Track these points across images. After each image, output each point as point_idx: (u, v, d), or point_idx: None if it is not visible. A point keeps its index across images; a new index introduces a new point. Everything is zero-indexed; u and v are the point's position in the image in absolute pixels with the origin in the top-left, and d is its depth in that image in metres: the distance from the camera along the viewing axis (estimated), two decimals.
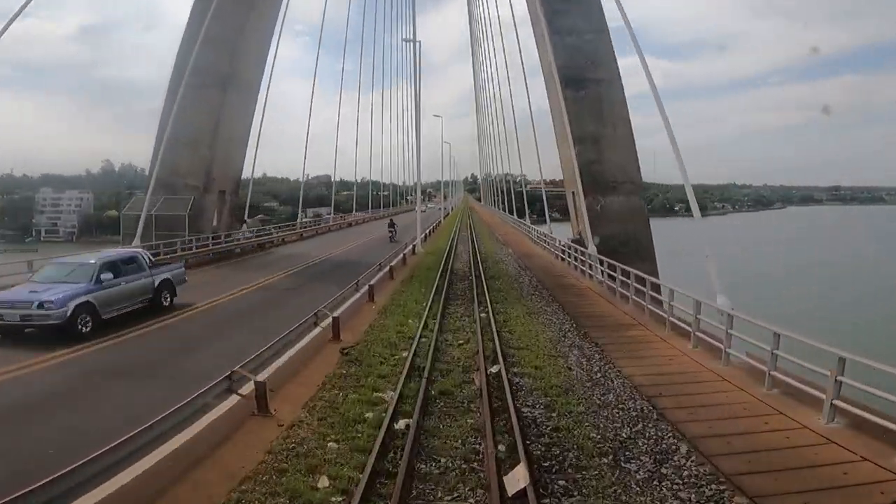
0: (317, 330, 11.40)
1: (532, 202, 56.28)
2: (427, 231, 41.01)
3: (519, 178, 63.99)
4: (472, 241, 35.42)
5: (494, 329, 12.47)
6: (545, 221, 43.58)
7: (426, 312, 14.05)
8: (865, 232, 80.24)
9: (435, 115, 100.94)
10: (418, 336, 11.80)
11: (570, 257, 24.77)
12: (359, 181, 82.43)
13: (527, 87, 38.93)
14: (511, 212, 58.63)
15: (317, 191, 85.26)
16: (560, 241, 29.69)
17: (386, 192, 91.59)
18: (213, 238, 28.03)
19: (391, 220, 40.02)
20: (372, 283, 16.47)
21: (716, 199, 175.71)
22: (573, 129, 28.16)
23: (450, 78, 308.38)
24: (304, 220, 57.46)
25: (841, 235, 77.95)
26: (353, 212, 65.81)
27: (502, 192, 69.37)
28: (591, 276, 20.84)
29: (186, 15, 29.80)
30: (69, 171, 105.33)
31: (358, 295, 15.34)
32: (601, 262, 19.18)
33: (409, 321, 13.30)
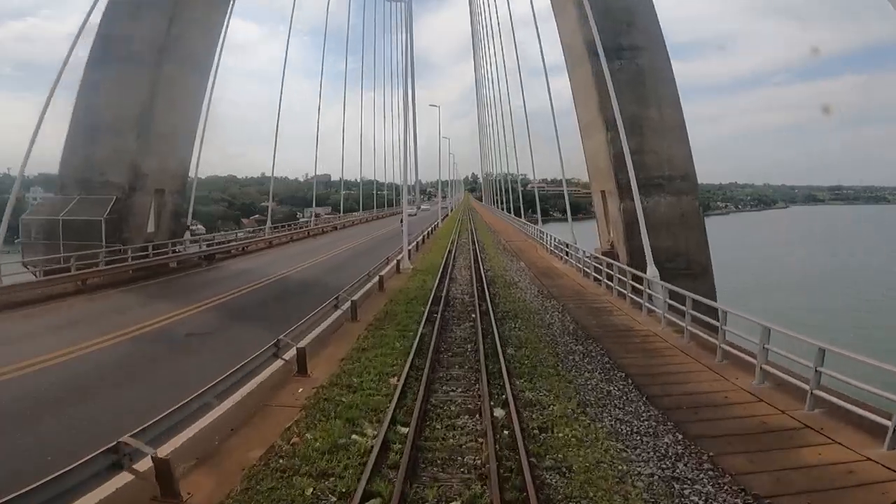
0: (121, 481, 4.87)
1: (531, 201, 50.47)
2: (420, 238, 34.47)
3: (521, 177, 58.17)
4: (475, 252, 28.52)
5: (525, 461, 5.93)
6: (543, 221, 37.37)
7: (392, 407, 7.46)
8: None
9: (432, 105, 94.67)
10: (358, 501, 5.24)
11: (606, 278, 18.29)
12: (356, 180, 78.08)
13: (545, 70, 32.52)
14: (518, 213, 52.20)
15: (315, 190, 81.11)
16: (584, 253, 23.22)
17: (381, 192, 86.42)
18: (136, 250, 21.51)
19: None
20: (305, 344, 9.66)
21: (718, 199, 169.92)
22: (607, 111, 21.55)
23: (450, 77, 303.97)
24: (302, 219, 54.11)
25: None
26: (341, 212, 59.32)
27: (506, 191, 63.12)
28: (650, 310, 14.28)
29: None
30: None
31: (277, 364, 8.78)
32: (679, 298, 12.38)
33: (355, 437, 6.70)
